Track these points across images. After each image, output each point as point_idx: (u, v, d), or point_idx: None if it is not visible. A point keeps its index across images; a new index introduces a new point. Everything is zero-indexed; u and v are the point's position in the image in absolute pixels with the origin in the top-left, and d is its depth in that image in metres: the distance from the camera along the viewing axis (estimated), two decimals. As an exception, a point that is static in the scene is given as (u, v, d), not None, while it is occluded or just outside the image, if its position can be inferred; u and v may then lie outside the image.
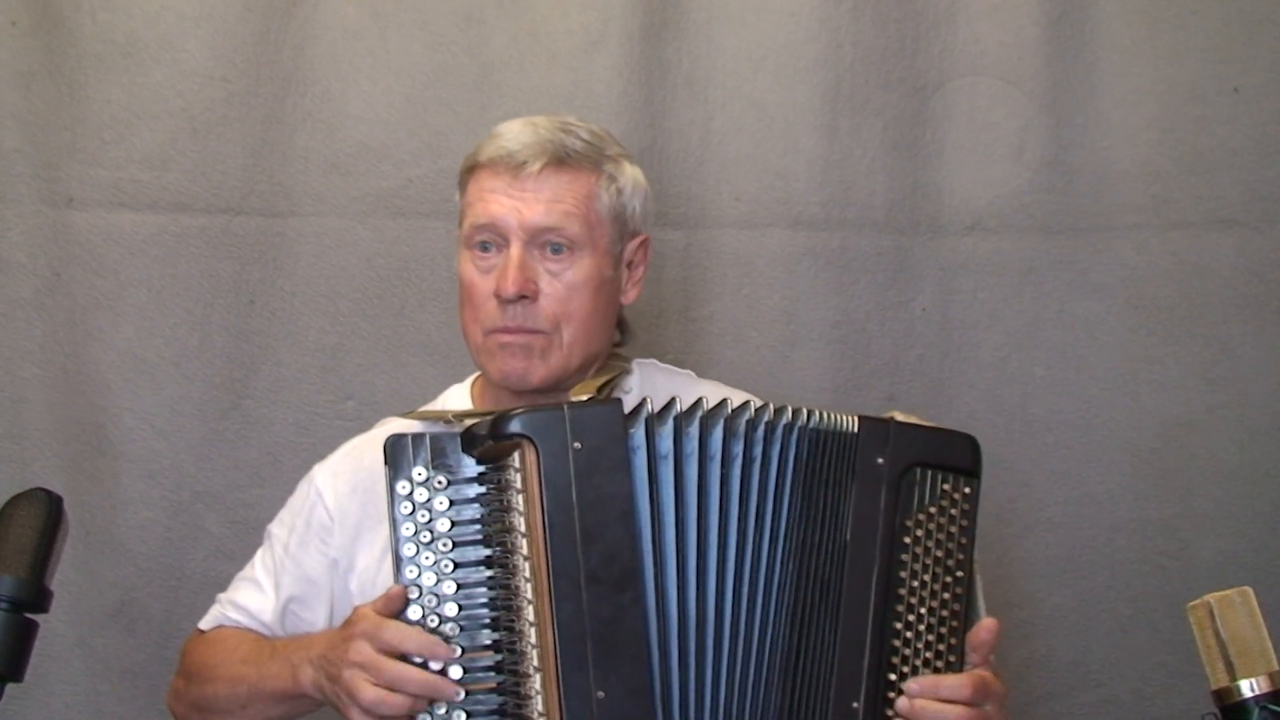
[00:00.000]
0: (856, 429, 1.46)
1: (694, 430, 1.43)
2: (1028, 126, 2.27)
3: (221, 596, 1.72)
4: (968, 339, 2.29)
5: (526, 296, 1.61)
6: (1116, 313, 2.29)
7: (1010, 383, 2.29)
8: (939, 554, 1.46)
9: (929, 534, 1.46)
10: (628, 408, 1.44)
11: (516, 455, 1.41)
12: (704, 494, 1.43)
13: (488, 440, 1.42)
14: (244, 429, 2.22)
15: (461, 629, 1.42)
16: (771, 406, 1.46)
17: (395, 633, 1.43)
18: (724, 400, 1.46)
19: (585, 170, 1.64)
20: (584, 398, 1.52)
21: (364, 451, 1.70)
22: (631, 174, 1.69)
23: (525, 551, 1.40)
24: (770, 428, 1.44)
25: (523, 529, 1.40)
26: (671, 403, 1.44)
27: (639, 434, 1.42)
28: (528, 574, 1.39)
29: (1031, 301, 2.29)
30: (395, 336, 2.25)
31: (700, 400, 1.45)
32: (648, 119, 2.22)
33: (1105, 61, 2.26)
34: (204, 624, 1.71)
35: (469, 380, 1.79)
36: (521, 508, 1.40)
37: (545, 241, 1.62)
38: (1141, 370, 2.28)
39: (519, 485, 1.41)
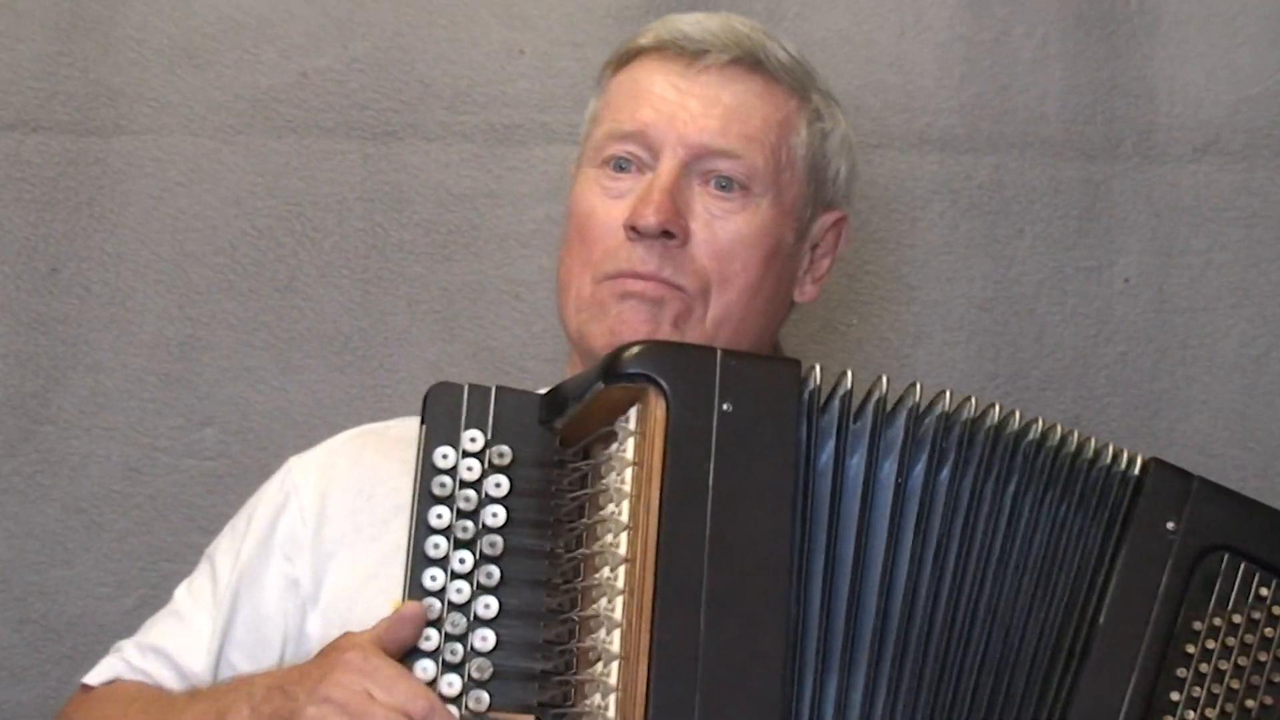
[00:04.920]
0: (1139, 469, 1.46)
1: (864, 424, 1.42)
2: (1293, -10, 2.20)
3: (123, 642, 1.67)
4: (1199, 326, 2.19)
5: (672, 235, 1.57)
6: None
7: (1268, 397, 2.19)
8: (1235, 685, 1.41)
9: (1226, 651, 1.42)
10: None
11: (634, 410, 1.39)
12: (868, 507, 1.41)
13: (595, 385, 1.39)
14: (42, 472, 2.11)
15: (495, 673, 1.39)
16: (1003, 411, 1.44)
17: (395, 681, 1.38)
18: (942, 393, 1.44)
19: (786, 89, 1.63)
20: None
21: (368, 444, 1.67)
22: (844, 127, 1.69)
23: (625, 551, 1.37)
24: (1009, 444, 1.44)
25: (624, 518, 1.37)
26: (838, 384, 1.42)
27: (833, 411, 1.41)
28: (621, 584, 1.36)
29: (1301, 268, 2.18)
30: (281, 324, 2.13)
31: (879, 381, 1.44)
32: (687, -19, 2.08)
33: None
34: (91, 678, 1.65)
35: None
36: (629, 487, 1.37)
37: (711, 171, 1.59)
38: None
39: (630, 455, 1.38)
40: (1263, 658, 1.43)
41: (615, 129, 1.62)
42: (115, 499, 2.06)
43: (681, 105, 1.61)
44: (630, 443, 1.40)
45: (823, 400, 1.43)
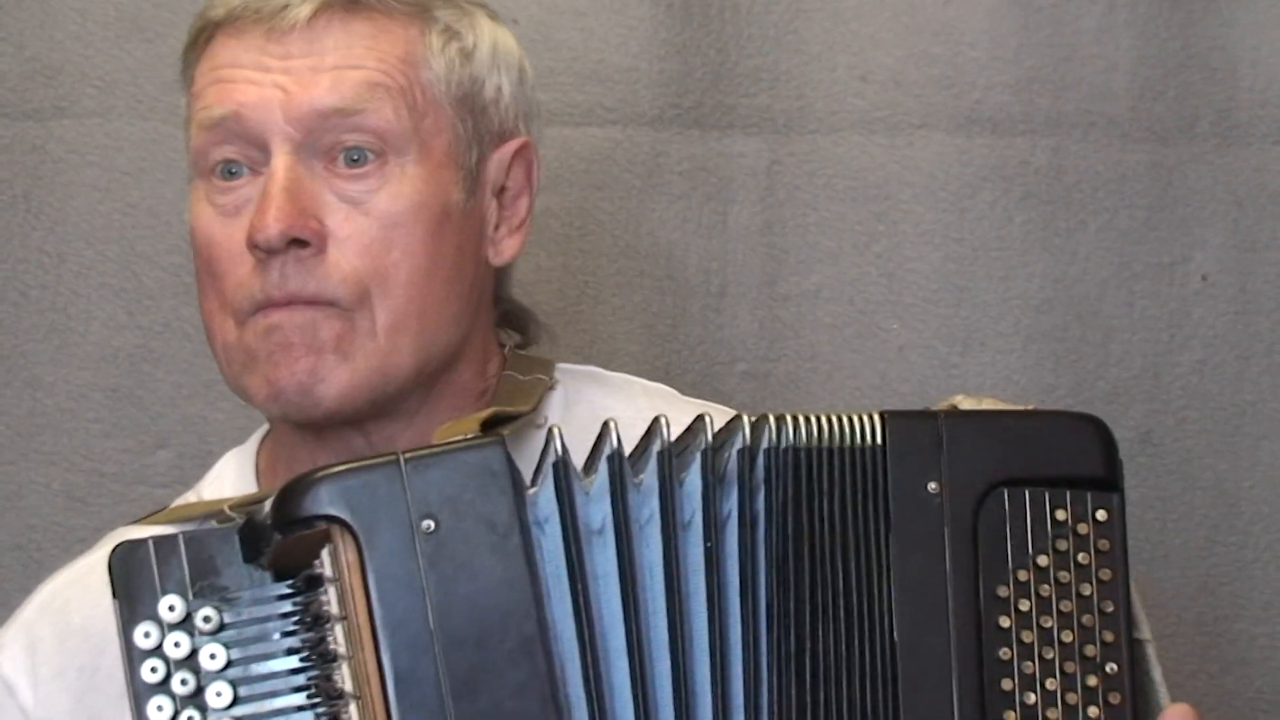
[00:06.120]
0: (879, 436, 1.36)
1: (650, 479, 1.33)
2: (1392, -58, 2.13)
3: None
4: (1287, 332, 2.13)
5: (304, 242, 1.45)
6: None
7: (1373, 416, 2.16)
8: (1067, 637, 1.34)
9: (1044, 604, 1.35)
10: (533, 450, 1.34)
11: (325, 554, 1.30)
12: (677, 590, 1.32)
13: (273, 535, 1.31)
14: (-26, 502, 2.09)
15: None
16: (773, 420, 1.35)
17: None
18: (700, 418, 1.35)
19: (399, 17, 1.52)
20: (453, 440, 1.38)
21: (70, 601, 1.55)
22: (491, 32, 1.57)
23: None
24: (802, 457, 1.35)
25: (350, 686, 1.29)
26: (604, 434, 1.33)
27: (546, 495, 1.31)
28: None
29: None
30: None
31: (658, 423, 1.33)
32: (692, -62, 2.13)
33: None
34: None
35: (254, 441, 1.64)
36: (344, 647, 1.29)
37: (335, 145, 1.48)
38: None
39: (335, 608, 1.30)
40: (1086, 590, 1.35)
41: (205, 118, 1.50)
42: (57, 532, 2.01)
43: (276, 78, 1.49)
44: (333, 593, 1.30)
45: (547, 471, 1.31)
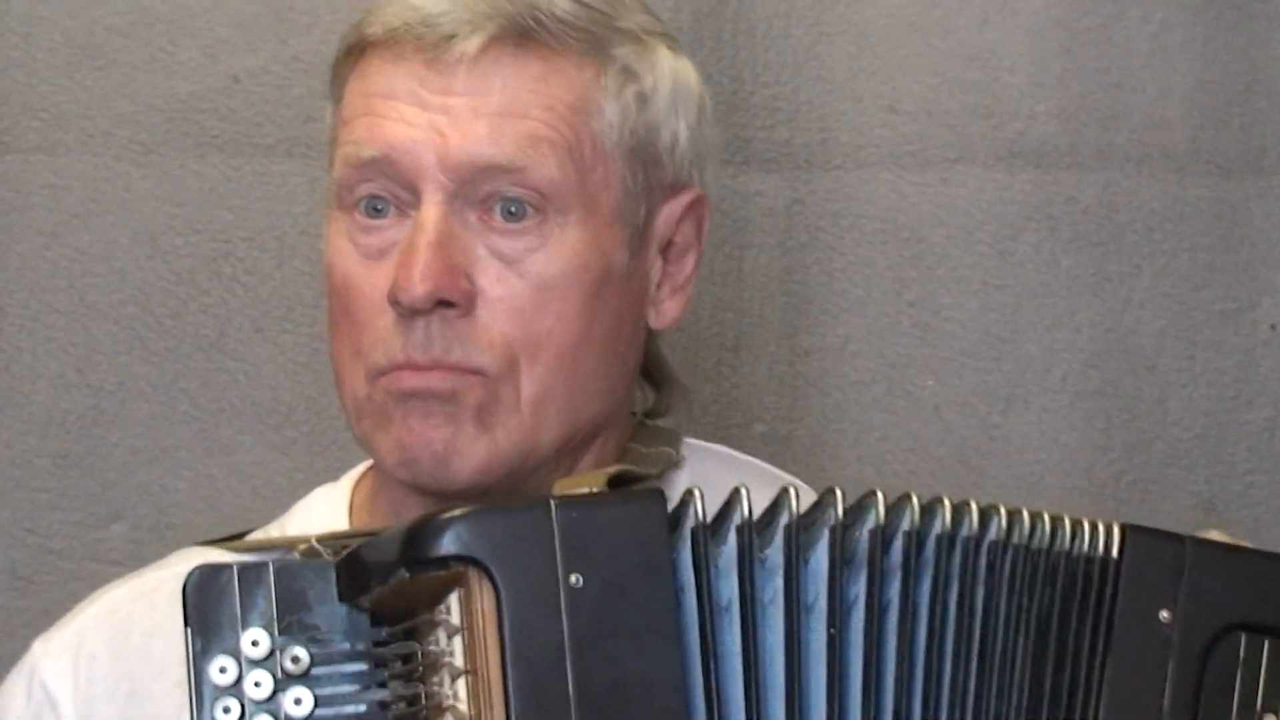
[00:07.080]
0: (1116, 549, 1.35)
1: (776, 555, 1.32)
2: None
3: None
4: (1366, 389, 2.10)
5: (450, 304, 1.44)
6: None
7: None
8: None
9: None
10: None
11: (454, 599, 1.28)
12: (796, 677, 1.30)
13: (398, 571, 1.29)
14: (-94, 580, 2.05)
15: None
16: (949, 506, 1.33)
17: None
18: (830, 491, 1.34)
19: (573, 56, 1.48)
20: (582, 490, 1.38)
21: (133, 616, 1.54)
22: (671, 69, 1.53)
23: None
24: (943, 544, 1.32)
25: None
26: (733, 501, 1.31)
27: (684, 562, 1.30)
28: None
29: None
30: (207, 392, 2.03)
31: (786, 495, 1.32)
32: (710, -40, 2.09)
33: None
34: None
35: (348, 479, 1.61)
36: (465, 706, 1.26)
37: (491, 196, 1.45)
38: None
39: (459, 660, 1.27)
40: None
41: (353, 155, 1.47)
42: (0, 615, 1.98)
43: (433, 118, 1.46)
44: (458, 644, 1.26)
45: (685, 533, 1.30)
